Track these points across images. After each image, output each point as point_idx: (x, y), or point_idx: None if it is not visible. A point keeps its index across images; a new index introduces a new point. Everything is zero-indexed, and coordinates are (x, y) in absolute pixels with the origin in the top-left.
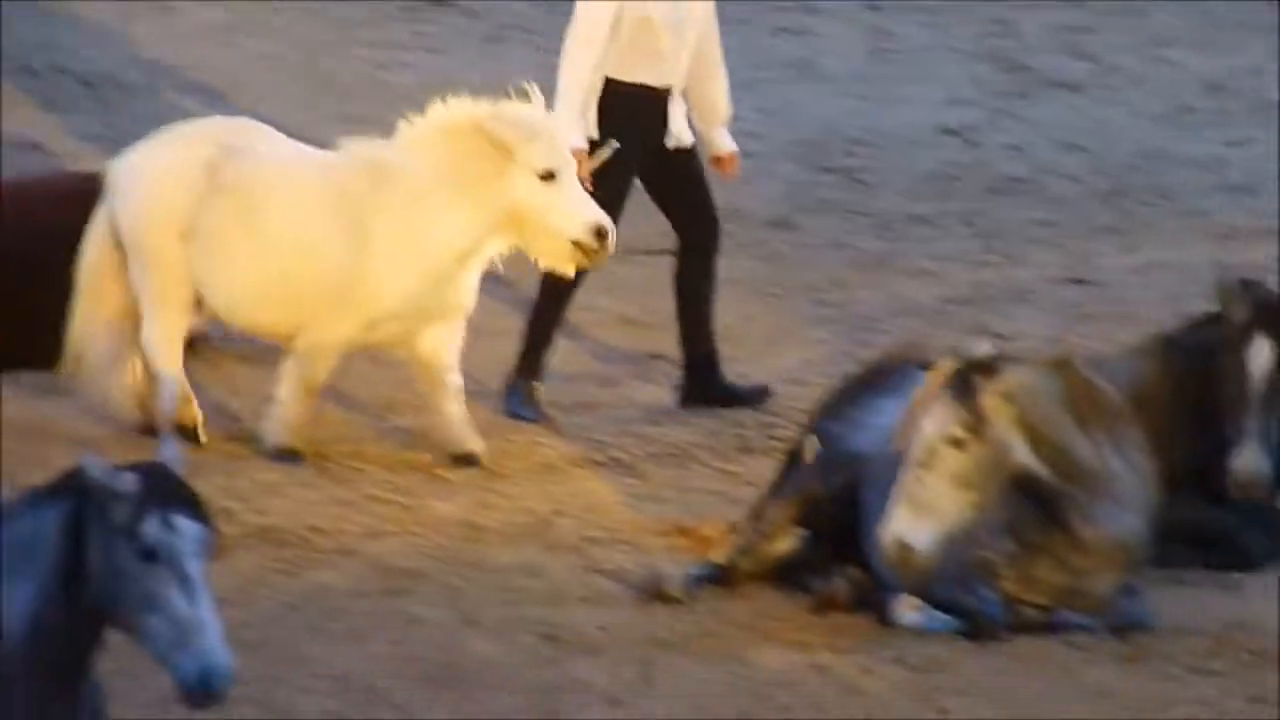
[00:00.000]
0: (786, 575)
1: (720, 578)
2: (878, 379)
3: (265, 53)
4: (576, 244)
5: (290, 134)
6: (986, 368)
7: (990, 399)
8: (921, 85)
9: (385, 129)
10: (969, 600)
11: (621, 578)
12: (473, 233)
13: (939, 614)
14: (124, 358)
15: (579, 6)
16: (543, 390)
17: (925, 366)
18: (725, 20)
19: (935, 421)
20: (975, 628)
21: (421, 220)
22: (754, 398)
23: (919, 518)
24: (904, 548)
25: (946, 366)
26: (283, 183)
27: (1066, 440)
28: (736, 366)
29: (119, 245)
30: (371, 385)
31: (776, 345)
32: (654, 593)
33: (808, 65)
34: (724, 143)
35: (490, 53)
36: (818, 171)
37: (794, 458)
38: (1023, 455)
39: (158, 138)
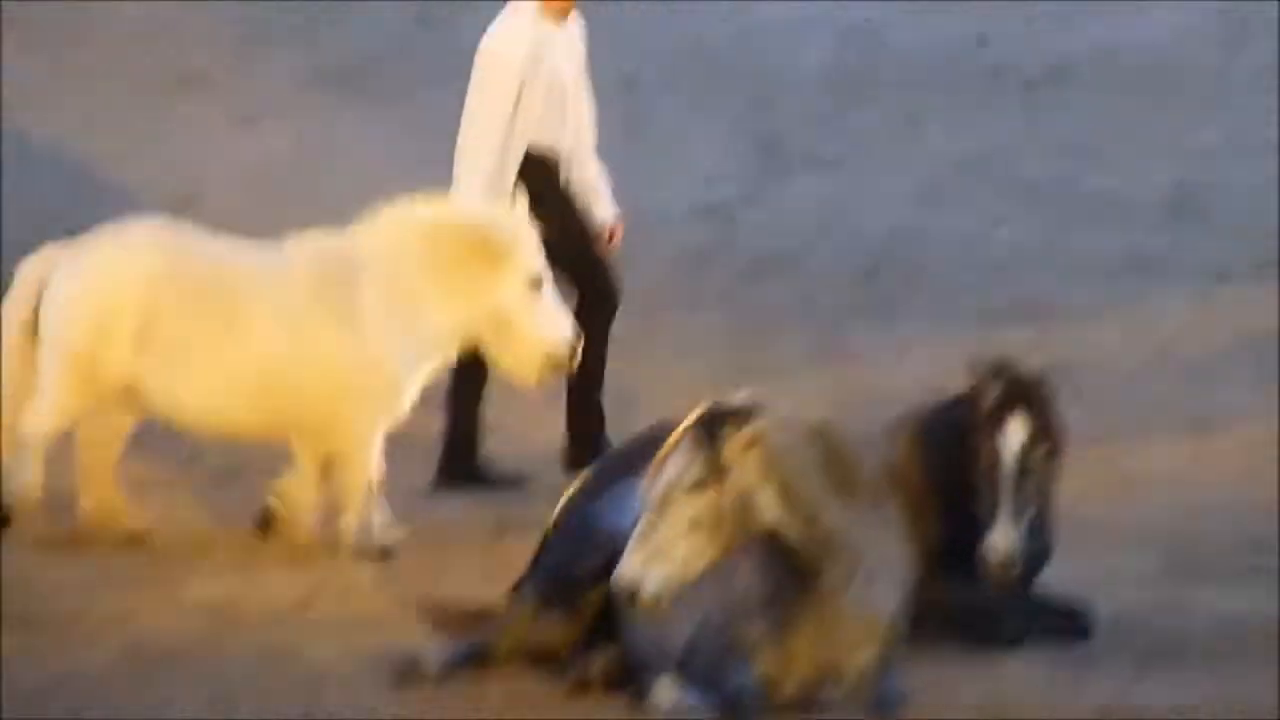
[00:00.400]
0: (544, 657)
1: (477, 659)
2: (631, 459)
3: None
4: (549, 356)
5: None
6: (736, 416)
7: (735, 447)
8: (678, 164)
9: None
10: (727, 681)
11: (379, 661)
12: (457, 330)
13: (696, 695)
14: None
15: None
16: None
17: None
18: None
19: (676, 466)
20: (733, 709)
21: (409, 310)
22: (512, 479)
23: (652, 562)
24: (633, 591)
25: (695, 414)
26: (258, 280)
27: (821, 505)
28: (494, 446)
29: (33, 336)
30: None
31: (534, 424)
32: (411, 675)
33: None
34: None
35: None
36: None
37: (546, 540)
38: (771, 512)
39: (92, 241)
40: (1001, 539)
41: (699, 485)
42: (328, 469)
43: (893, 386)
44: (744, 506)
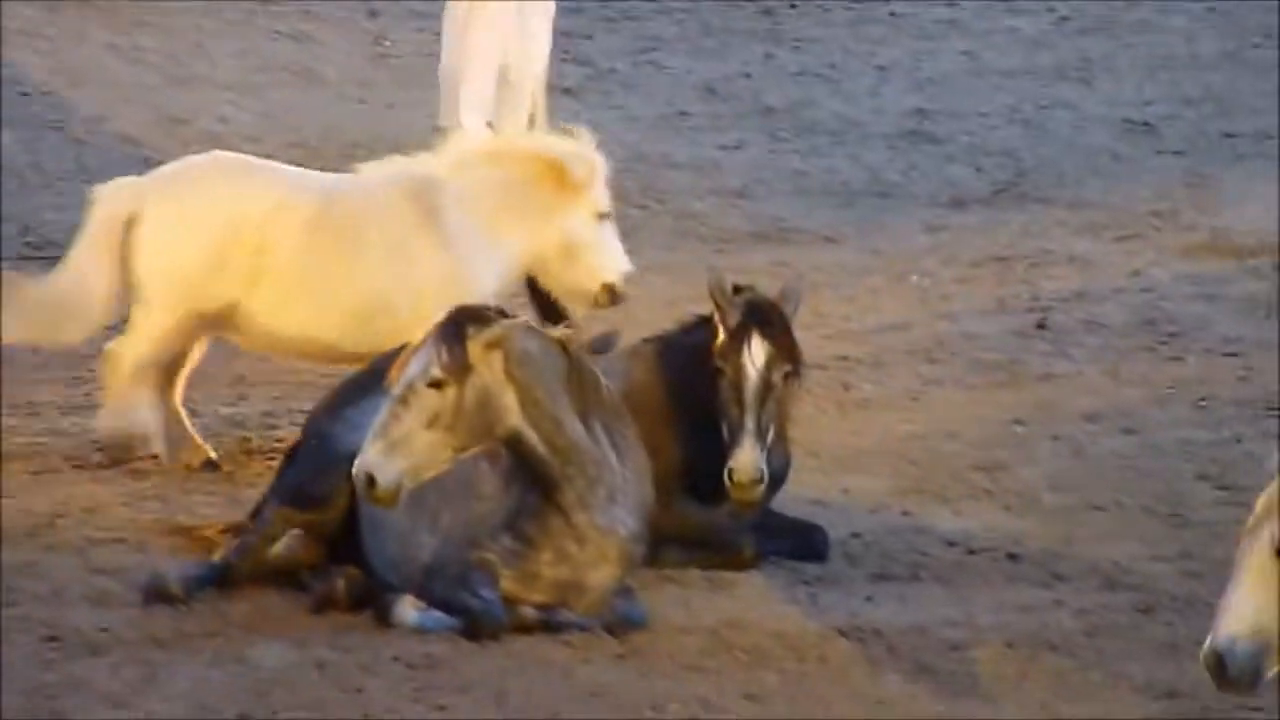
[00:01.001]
0: (288, 575)
1: (221, 578)
2: (374, 378)
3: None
4: (606, 285)
5: None
6: (482, 318)
7: (478, 346)
8: (419, 90)
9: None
10: (469, 600)
11: (123, 578)
12: (528, 255)
13: (439, 614)
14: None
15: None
16: None
17: None
18: (222, 22)
19: (420, 361)
20: (475, 627)
21: (493, 235)
22: None
23: (390, 453)
24: (370, 480)
25: (443, 314)
26: (364, 210)
27: (563, 416)
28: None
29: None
30: None
31: None
32: (155, 593)
33: (306, 69)
34: None
35: None
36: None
37: (290, 459)
38: (514, 416)
39: (186, 174)
40: (747, 457)
41: (441, 382)
42: None
43: (632, 309)
44: (485, 406)
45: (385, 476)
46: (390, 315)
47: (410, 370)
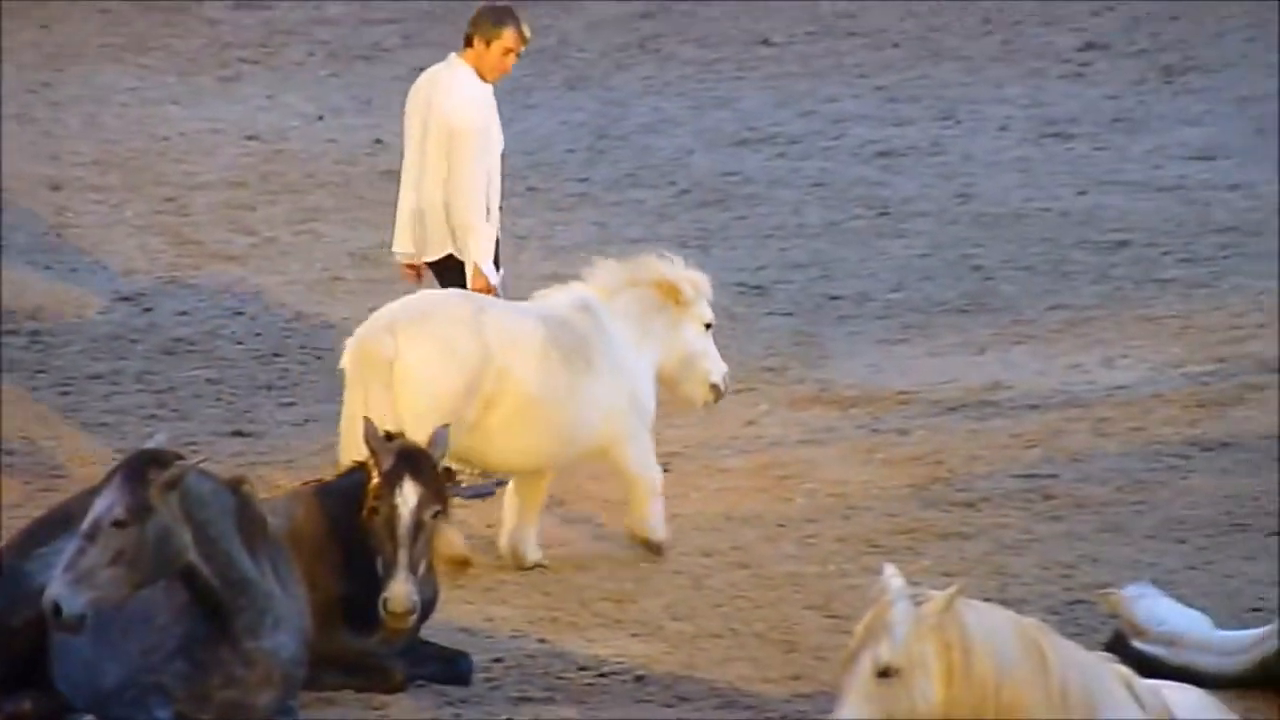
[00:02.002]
0: None
1: None
2: (64, 520)
3: None
4: (714, 385)
5: None
6: (161, 459)
7: (157, 488)
8: (100, 256)
9: None
10: (144, 718)
11: None
12: (662, 362)
13: None
14: None
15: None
16: None
17: None
18: None
19: (105, 501)
20: None
21: (640, 349)
22: None
23: (76, 585)
24: (56, 609)
25: (126, 457)
26: (572, 333)
27: (233, 551)
28: None
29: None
30: None
31: None
32: None
33: None
34: None
35: None
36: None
37: None
38: (189, 551)
39: (431, 312)
40: (401, 589)
41: (124, 522)
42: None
43: (296, 457)
44: (164, 542)
45: (71, 606)
46: (588, 429)
47: (97, 509)
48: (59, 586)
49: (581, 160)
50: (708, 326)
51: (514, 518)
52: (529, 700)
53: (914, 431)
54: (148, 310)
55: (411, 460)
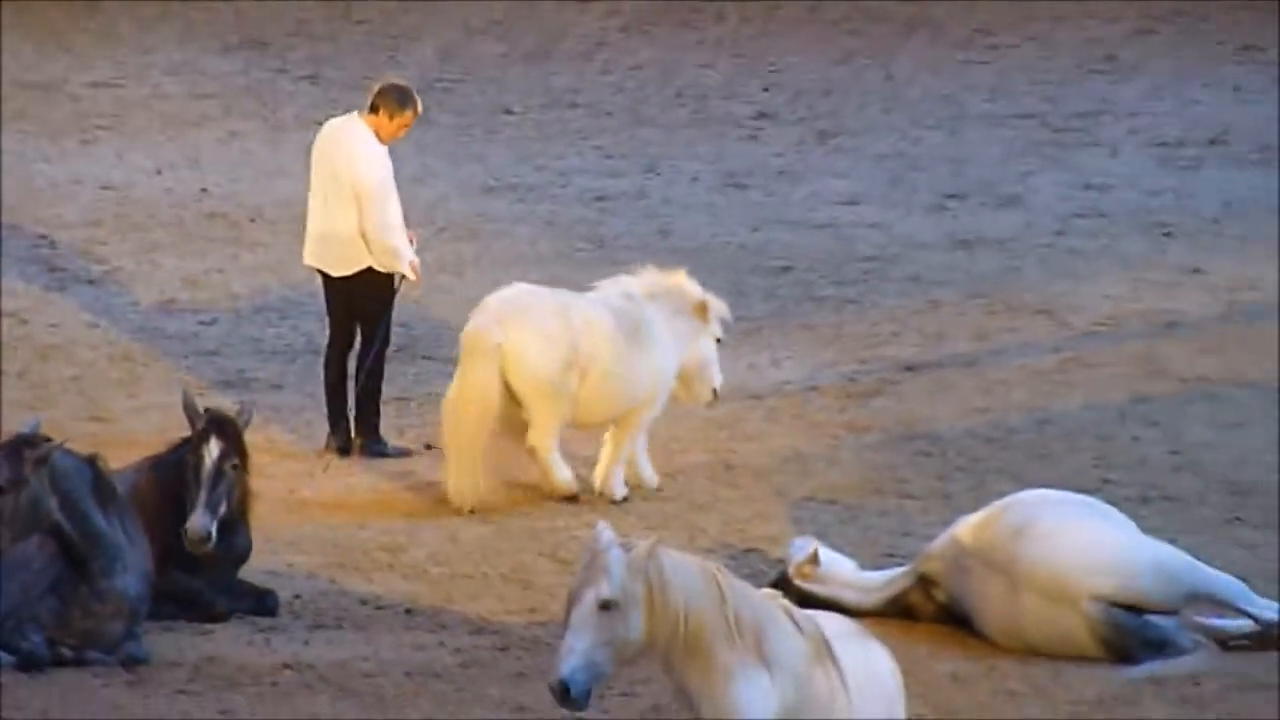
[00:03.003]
0: None
1: None
2: None
3: None
4: (715, 389)
5: None
6: (32, 442)
7: (29, 463)
8: None
9: None
10: (22, 642)
11: None
12: (683, 360)
13: (3, 654)
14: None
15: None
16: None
17: None
18: None
19: None
20: (26, 663)
21: (672, 343)
22: None
23: None
24: None
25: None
26: (630, 318)
27: (90, 512)
28: None
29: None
30: None
31: None
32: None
33: None
34: None
35: None
36: None
37: None
38: (55, 512)
39: (524, 309)
40: (197, 521)
41: (2, 489)
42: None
43: (136, 438)
44: (34, 506)
45: None
46: (640, 392)
47: None
48: None
49: None
50: (718, 341)
51: (605, 461)
52: (322, 628)
53: None
54: (24, 322)
55: (218, 423)
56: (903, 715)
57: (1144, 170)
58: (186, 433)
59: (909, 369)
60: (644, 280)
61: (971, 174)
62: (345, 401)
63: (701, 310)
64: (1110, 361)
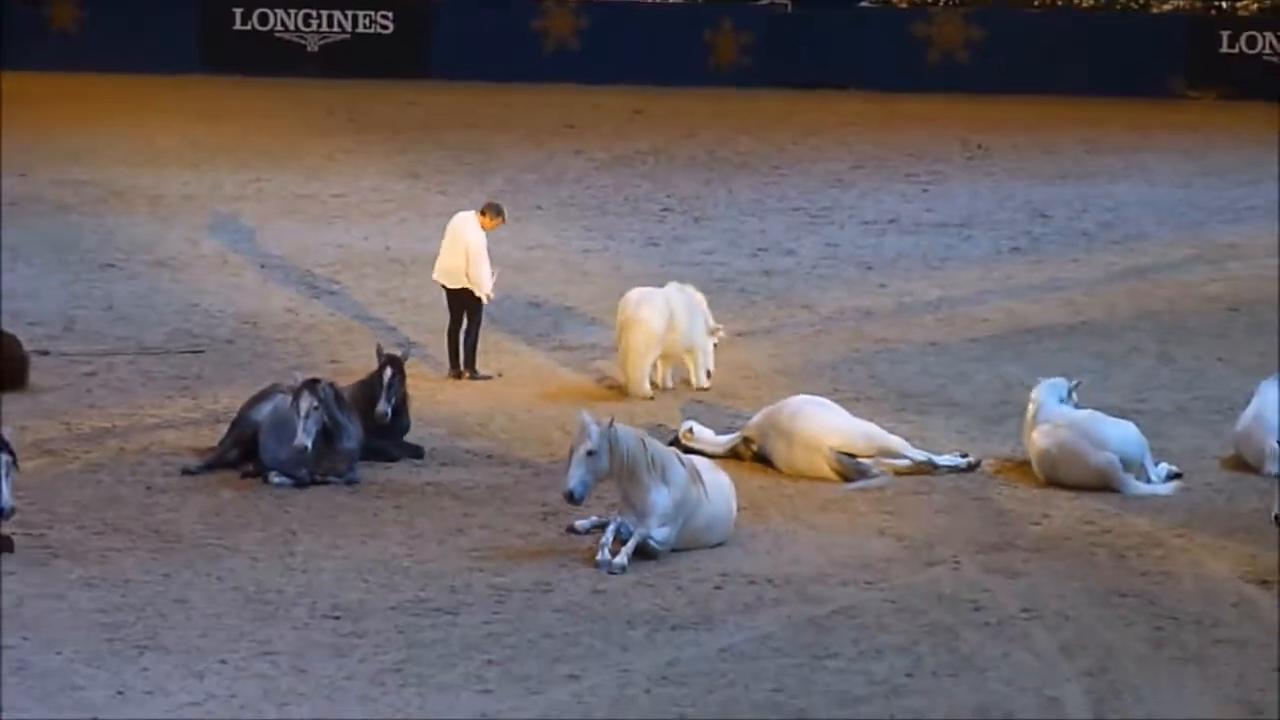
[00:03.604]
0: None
1: None
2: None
3: None
4: (709, 370)
5: None
6: (394, 361)
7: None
8: None
9: None
10: (298, 472)
11: None
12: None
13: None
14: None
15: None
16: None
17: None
18: None
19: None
20: (299, 484)
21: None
22: None
23: None
24: None
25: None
26: (676, 304)
27: (333, 410)
28: None
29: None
30: None
31: None
32: None
33: None
34: None
35: None
36: None
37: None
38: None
39: (646, 295)
40: (380, 408)
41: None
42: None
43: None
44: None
45: None
46: (698, 341)
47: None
48: None
49: None
50: (714, 334)
51: (692, 373)
52: (446, 465)
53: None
54: (296, 313)
55: (390, 359)
56: (734, 508)
57: (855, 237)
58: (374, 366)
59: (752, 333)
60: (678, 284)
61: (770, 237)
62: (458, 353)
63: (701, 306)
64: (840, 330)
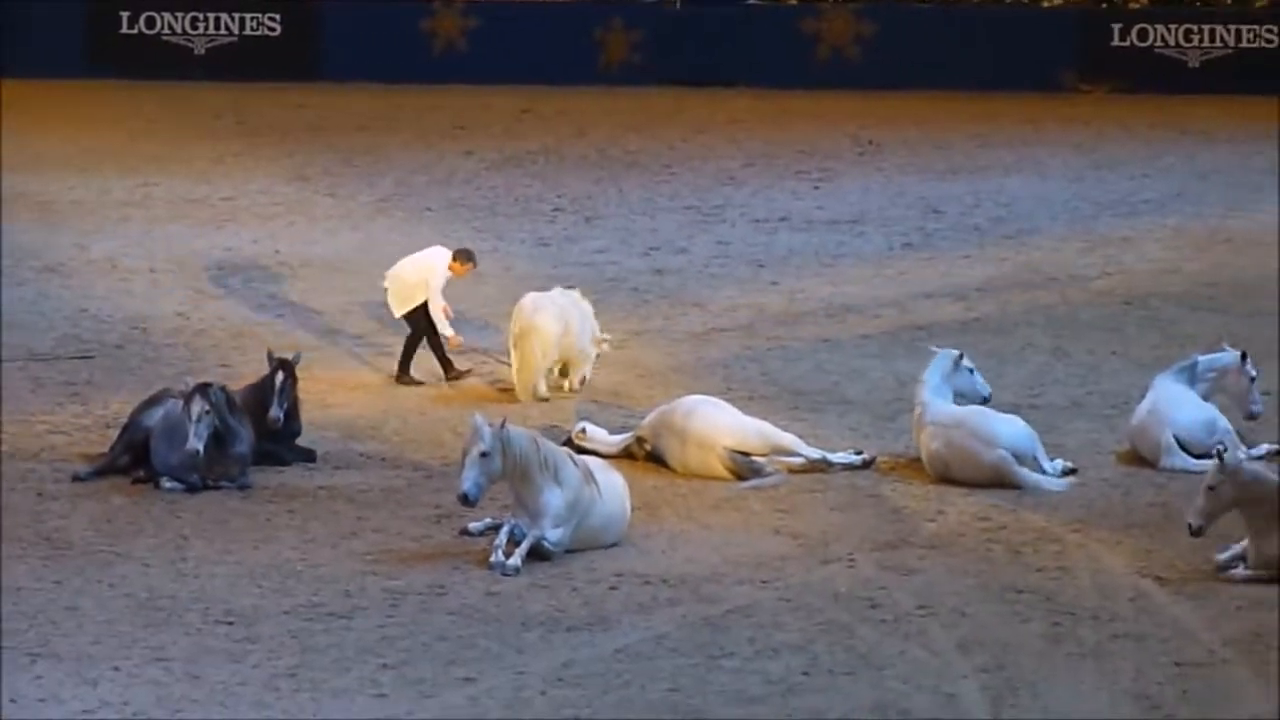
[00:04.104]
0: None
1: None
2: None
3: None
4: (583, 378)
5: None
6: (205, 387)
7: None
8: None
9: None
10: (188, 477)
11: None
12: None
13: None
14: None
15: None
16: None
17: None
18: None
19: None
20: (190, 489)
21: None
22: None
23: None
24: None
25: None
26: (578, 311)
27: (225, 415)
28: None
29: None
30: None
31: None
32: None
33: None
34: None
35: None
36: None
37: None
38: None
39: (546, 295)
40: (271, 413)
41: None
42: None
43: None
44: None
45: None
46: (587, 345)
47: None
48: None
49: None
50: (599, 343)
51: (571, 380)
52: (338, 469)
53: None
54: (188, 317)
55: (282, 362)
56: (629, 508)
57: (746, 234)
58: (265, 371)
59: (644, 332)
60: (574, 292)
61: (662, 236)
62: (408, 359)
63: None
64: (732, 328)
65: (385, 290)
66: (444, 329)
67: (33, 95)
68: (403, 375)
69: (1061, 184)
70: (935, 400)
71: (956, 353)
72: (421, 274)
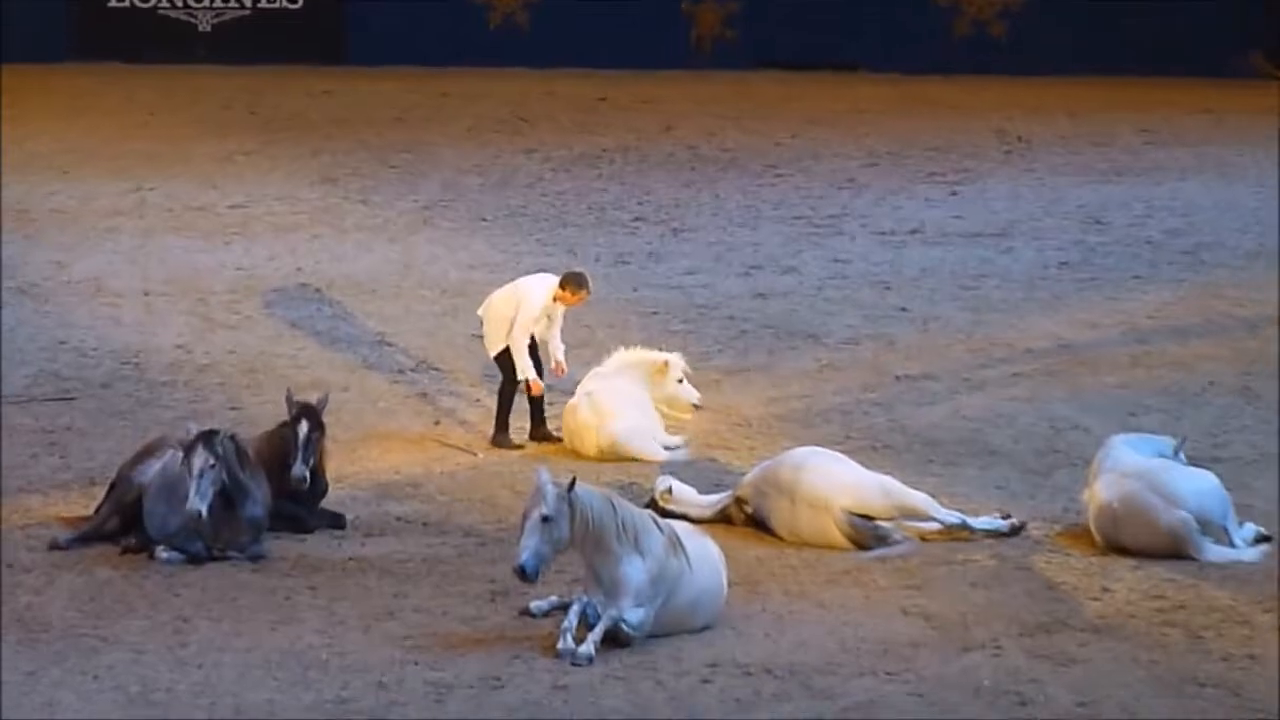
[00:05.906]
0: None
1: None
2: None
3: None
4: (694, 405)
5: None
6: (210, 435)
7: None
8: None
9: None
10: (190, 546)
11: None
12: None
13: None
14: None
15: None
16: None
17: (177, 446)
18: None
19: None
20: (193, 559)
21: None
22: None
23: None
24: None
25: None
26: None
27: (234, 469)
28: None
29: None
30: None
31: None
32: None
33: None
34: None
35: None
36: None
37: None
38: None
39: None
40: (296, 470)
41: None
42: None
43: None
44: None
45: None
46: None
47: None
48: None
49: None
50: (680, 382)
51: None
52: (371, 535)
53: None
54: (190, 351)
55: (306, 409)
56: (725, 583)
57: (869, 250)
58: (284, 416)
59: (743, 370)
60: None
61: (764, 253)
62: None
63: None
64: (852, 365)
65: (480, 322)
66: (524, 371)
67: (8, 83)
68: (499, 435)
69: (1249, 189)
70: (1122, 448)
71: (1176, 440)
72: (508, 310)
